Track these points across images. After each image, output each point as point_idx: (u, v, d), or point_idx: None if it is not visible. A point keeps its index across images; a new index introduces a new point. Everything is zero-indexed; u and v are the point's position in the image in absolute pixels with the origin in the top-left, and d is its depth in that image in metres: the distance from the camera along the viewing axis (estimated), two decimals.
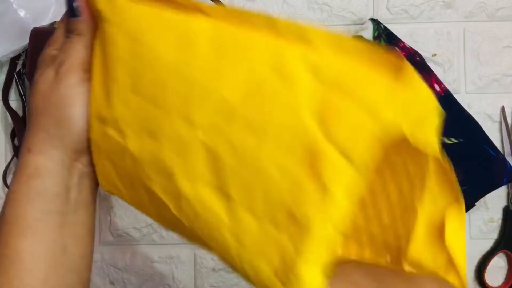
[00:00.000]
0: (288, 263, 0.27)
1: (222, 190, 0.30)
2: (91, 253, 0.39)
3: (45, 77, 0.37)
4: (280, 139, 0.28)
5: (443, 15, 0.65)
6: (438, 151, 0.30)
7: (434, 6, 0.65)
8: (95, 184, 0.38)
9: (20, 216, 0.35)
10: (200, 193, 0.31)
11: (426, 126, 0.29)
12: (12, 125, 0.61)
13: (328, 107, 0.27)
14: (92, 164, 0.37)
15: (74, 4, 0.38)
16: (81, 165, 0.37)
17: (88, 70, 0.36)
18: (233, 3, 0.65)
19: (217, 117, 0.29)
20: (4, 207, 0.37)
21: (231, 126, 0.29)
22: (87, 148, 0.36)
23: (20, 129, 0.60)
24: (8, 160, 0.62)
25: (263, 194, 0.28)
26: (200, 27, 0.31)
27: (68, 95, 0.36)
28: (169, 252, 0.64)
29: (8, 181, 0.62)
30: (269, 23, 0.29)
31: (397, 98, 0.26)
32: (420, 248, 0.34)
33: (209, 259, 0.63)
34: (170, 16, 0.32)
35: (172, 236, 0.64)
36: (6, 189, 0.62)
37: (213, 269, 0.64)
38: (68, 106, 0.36)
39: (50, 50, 0.40)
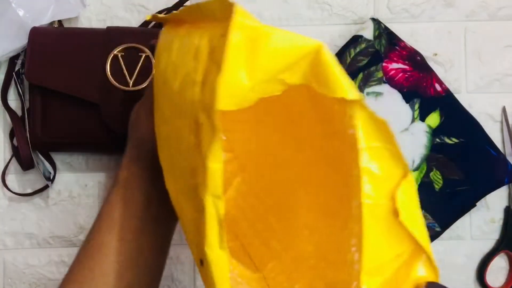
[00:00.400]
0: (200, 242, 0.30)
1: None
2: (163, 266, 0.44)
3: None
4: (186, 114, 0.32)
5: (444, 14, 0.65)
6: (347, 92, 0.29)
7: (435, 5, 0.65)
8: None
9: (109, 215, 0.42)
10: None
11: (299, 67, 0.30)
12: (11, 125, 0.61)
13: (206, 78, 0.30)
14: None
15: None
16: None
17: None
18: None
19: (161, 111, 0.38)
20: (102, 206, 0.43)
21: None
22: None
23: (19, 129, 0.60)
24: (7, 160, 0.62)
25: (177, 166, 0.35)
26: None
27: (141, 119, 0.44)
28: (169, 253, 0.64)
29: (7, 181, 0.62)
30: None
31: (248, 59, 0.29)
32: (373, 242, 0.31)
33: None
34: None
35: (172, 236, 0.63)
36: (5, 189, 0.61)
37: None
38: (139, 130, 0.44)
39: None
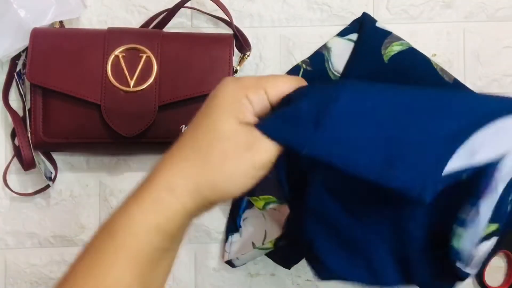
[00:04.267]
0: None
1: None
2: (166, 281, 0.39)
3: (227, 118, 0.36)
4: None
5: (443, 15, 0.65)
6: None
7: (434, 7, 0.65)
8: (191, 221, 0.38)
9: (133, 248, 0.34)
10: None
11: None
12: (12, 125, 0.61)
13: None
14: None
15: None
16: (199, 212, 0.37)
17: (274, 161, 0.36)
18: (233, 3, 0.65)
19: None
20: (116, 229, 0.35)
21: None
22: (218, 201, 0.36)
23: (20, 129, 0.60)
24: (8, 160, 0.62)
25: None
26: None
27: (242, 175, 0.35)
28: None
29: (8, 181, 0.62)
30: None
31: None
32: None
33: (209, 259, 0.64)
34: None
35: None
36: (6, 189, 0.62)
37: (214, 269, 0.64)
38: (233, 186, 0.35)
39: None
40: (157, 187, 0.35)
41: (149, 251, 0.35)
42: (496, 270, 0.64)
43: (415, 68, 0.62)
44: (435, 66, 0.63)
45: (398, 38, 0.63)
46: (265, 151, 0.35)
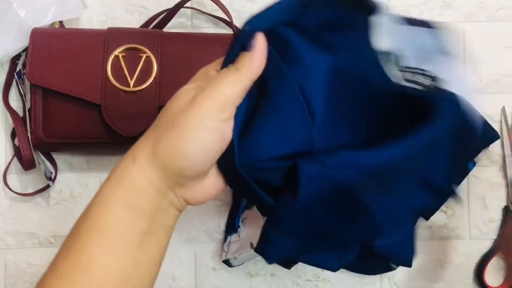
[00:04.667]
0: None
1: None
2: (158, 273, 0.38)
3: (183, 96, 0.36)
4: None
5: (443, 15, 0.65)
6: None
7: (434, 7, 0.65)
8: (180, 211, 0.38)
9: (103, 224, 0.34)
10: None
11: None
12: (12, 125, 0.61)
13: None
14: (183, 196, 0.37)
15: (250, 39, 0.37)
16: (173, 195, 0.37)
17: (224, 109, 0.35)
18: (233, 3, 0.65)
19: None
20: (88, 209, 0.35)
21: None
22: (187, 183, 0.36)
23: (20, 129, 0.60)
24: (8, 160, 0.62)
25: None
26: None
27: (193, 128, 0.34)
28: (169, 252, 0.63)
29: (8, 181, 0.62)
30: None
31: None
32: None
33: (209, 259, 0.64)
34: None
35: (172, 236, 0.64)
36: (7, 189, 0.62)
37: (213, 269, 0.64)
38: (186, 141, 0.34)
39: (210, 68, 0.39)
40: (123, 161, 0.36)
41: (120, 228, 0.34)
42: (496, 270, 0.64)
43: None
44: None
45: None
46: (209, 98, 0.35)
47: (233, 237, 0.62)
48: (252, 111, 0.37)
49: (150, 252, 0.36)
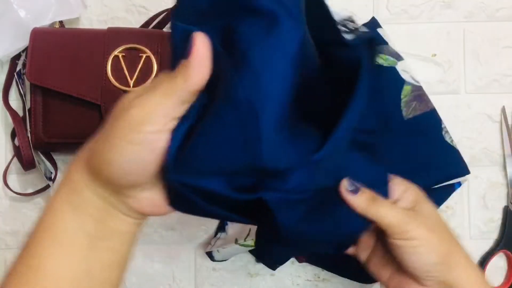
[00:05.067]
0: None
1: None
2: (119, 280, 0.37)
3: (123, 100, 0.34)
4: None
5: (443, 15, 0.65)
6: None
7: (434, 6, 0.65)
8: (134, 218, 0.36)
9: (53, 226, 0.34)
10: None
11: None
12: (12, 125, 0.61)
13: None
14: (129, 205, 0.35)
15: (189, 44, 0.32)
16: (116, 201, 0.35)
17: (153, 122, 0.32)
18: None
19: None
20: (44, 213, 0.35)
21: None
22: (127, 192, 0.35)
23: (20, 129, 0.60)
24: (8, 160, 0.62)
25: None
26: None
27: (120, 138, 0.33)
28: (169, 252, 0.64)
29: (8, 181, 0.62)
30: None
31: None
32: None
33: (209, 259, 0.64)
34: None
35: (172, 236, 0.64)
36: (7, 189, 0.62)
37: (213, 269, 0.64)
38: (112, 150, 0.33)
39: (168, 72, 0.34)
40: (70, 165, 0.36)
41: (66, 229, 0.34)
42: (496, 270, 0.64)
43: (382, 89, 0.60)
44: (403, 97, 0.59)
45: (390, 52, 0.61)
46: (137, 108, 0.32)
47: (222, 235, 0.62)
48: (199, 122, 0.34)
49: (103, 257, 0.35)
